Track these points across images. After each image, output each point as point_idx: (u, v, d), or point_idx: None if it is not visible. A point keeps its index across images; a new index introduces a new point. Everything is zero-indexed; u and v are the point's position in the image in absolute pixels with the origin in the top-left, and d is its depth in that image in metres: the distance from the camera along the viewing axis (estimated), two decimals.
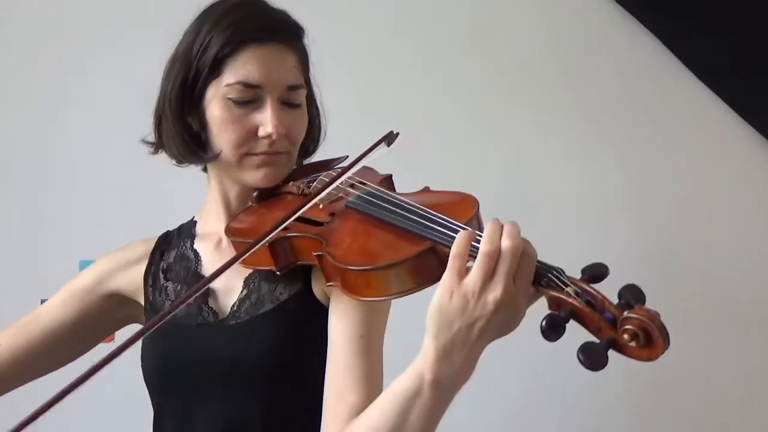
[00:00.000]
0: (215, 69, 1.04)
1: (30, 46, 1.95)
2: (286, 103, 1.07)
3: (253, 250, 0.88)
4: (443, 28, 2.00)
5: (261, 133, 1.05)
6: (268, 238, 0.89)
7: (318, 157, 1.21)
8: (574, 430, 1.89)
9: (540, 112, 2.00)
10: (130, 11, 1.95)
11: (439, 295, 0.77)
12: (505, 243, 0.76)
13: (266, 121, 1.04)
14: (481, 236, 0.78)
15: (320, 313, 1.02)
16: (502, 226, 0.78)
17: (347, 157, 1.18)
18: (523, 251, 0.76)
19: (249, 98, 1.04)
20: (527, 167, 1.99)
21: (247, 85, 1.04)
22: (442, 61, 1.98)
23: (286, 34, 1.07)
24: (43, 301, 1.20)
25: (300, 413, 1.02)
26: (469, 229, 0.79)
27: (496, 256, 0.76)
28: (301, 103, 1.09)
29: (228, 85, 1.04)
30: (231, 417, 1.02)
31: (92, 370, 0.76)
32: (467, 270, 0.76)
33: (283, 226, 0.90)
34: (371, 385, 0.95)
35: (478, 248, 0.77)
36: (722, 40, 1.93)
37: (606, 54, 2.01)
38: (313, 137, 1.18)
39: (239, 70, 1.03)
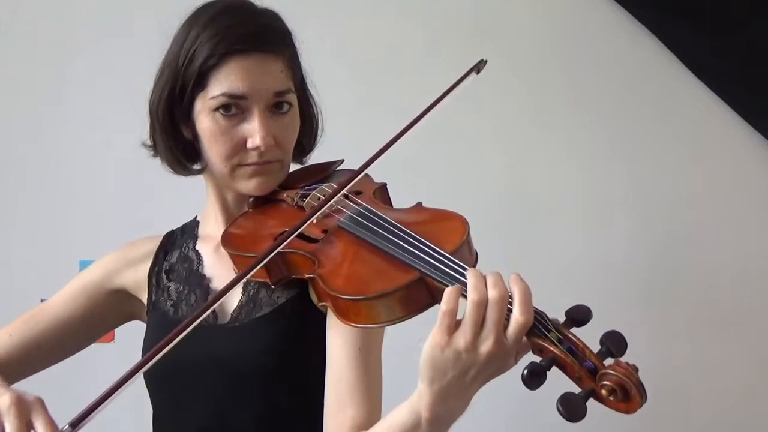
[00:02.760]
0: (200, 81, 1.04)
1: (30, 47, 1.95)
2: (274, 110, 1.06)
3: (249, 274, 0.88)
4: (444, 28, 2.00)
5: (249, 144, 1.04)
6: (263, 262, 0.89)
7: (316, 157, 1.21)
8: (575, 430, 1.89)
9: (540, 112, 2.00)
10: (130, 11, 1.95)
11: (430, 348, 0.77)
12: (492, 293, 0.76)
13: (254, 132, 1.03)
14: (458, 265, 0.79)
15: (317, 316, 1.02)
16: (483, 276, 0.78)
17: (343, 161, 1.18)
18: (524, 323, 0.75)
19: (236, 109, 1.04)
20: (527, 167, 1.99)
21: (232, 96, 1.03)
22: (442, 60, 1.97)
23: (272, 41, 1.06)
24: (43, 301, 1.20)
25: (296, 415, 1.02)
26: (457, 284, 0.79)
27: (484, 305, 0.76)
28: (290, 108, 1.08)
29: (213, 97, 1.03)
30: (226, 417, 1.02)
31: (123, 380, 0.78)
32: (456, 324, 0.76)
33: (278, 249, 0.90)
34: (371, 397, 0.95)
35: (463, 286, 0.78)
36: (722, 40, 1.93)
37: (606, 54, 2.01)
38: (309, 135, 1.17)
39: (223, 82, 1.02)
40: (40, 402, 0.82)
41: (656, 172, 1.99)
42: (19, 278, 1.88)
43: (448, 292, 0.77)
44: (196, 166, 1.14)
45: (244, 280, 0.88)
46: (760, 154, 1.98)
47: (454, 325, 0.76)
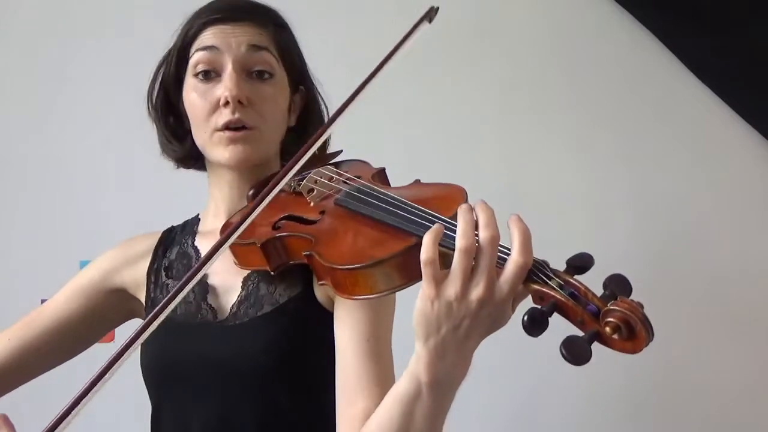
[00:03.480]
0: (184, 54, 1.08)
1: (30, 46, 1.95)
2: (253, 77, 1.07)
3: (218, 253, 0.84)
4: (444, 28, 2.00)
5: (221, 101, 1.04)
6: (231, 240, 0.86)
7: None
8: (575, 429, 1.89)
9: (540, 112, 2.00)
10: (130, 11, 1.95)
11: (420, 302, 0.75)
12: (482, 235, 0.72)
13: (224, 88, 1.04)
14: (454, 227, 0.74)
15: (321, 315, 1.02)
16: (474, 218, 0.74)
17: (341, 151, 1.18)
18: (523, 264, 0.72)
19: (211, 71, 1.05)
20: (527, 167, 1.99)
21: (204, 48, 1.05)
22: (442, 60, 1.98)
23: (252, 14, 1.08)
24: (43, 301, 1.20)
25: (296, 415, 1.02)
26: (436, 227, 0.75)
27: (473, 250, 0.72)
28: (272, 77, 1.08)
29: (190, 56, 1.07)
30: (227, 416, 1.01)
31: (101, 374, 0.75)
32: (444, 274, 0.73)
33: (246, 223, 0.87)
34: (382, 387, 0.93)
35: (453, 240, 0.73)
36: (722, 40, 1.93)
37: (606, 54, 2.01)
38: (311, 120, 1.17)
39: (200, 41, 1.07)
40: (3, 418, 0.81)
41: (656, 172, 1.99)
42: (19, 278, 1.88)
43: (425, 241, 0.73)
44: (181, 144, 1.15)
45: (229, 242, 0.85)
46: (760, 154, 1.98)
47: (441, 275, 0.73)
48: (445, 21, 1.98)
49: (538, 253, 0.76)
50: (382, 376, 0.94)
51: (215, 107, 1.05)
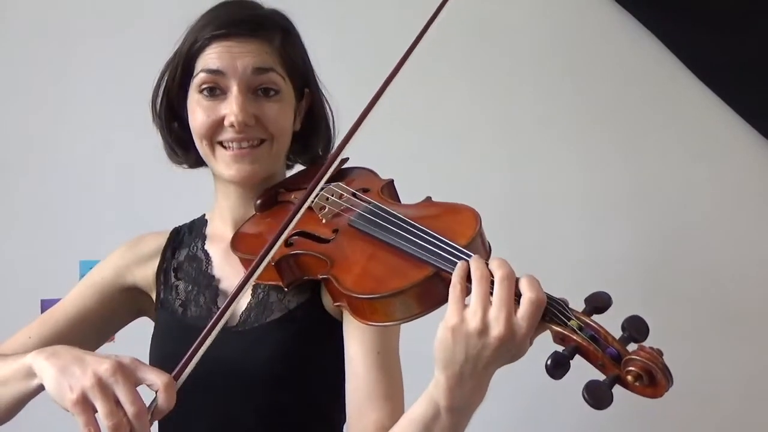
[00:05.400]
0: (189, 67, 1.07)
1: (31, 46, 1.95)
2: (259, 94, 1.06)
3: (254, 276, 0.87)
4: (444, 28, 1.99)
5: (225, 122, 1.04)
6: (259, 270, 0.88)
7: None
8: (575, 429, 1.90)
9: (540, 112, 2.00)
10: (131, 11, 1.95)
11: (442, 330, 0.76)
12: (498, 272, 0.75)
13: (229, 108, 1.04)
14: (468, 256, 0.77)
15: (328, 323, 1.02)
16: (485, 262, 0.77)
17: (348, 159, 1.18)
18: (535, 299, 0.74)
19: (216, 88, 1.05)
20: (528, 167, 1.99)
21: (209, 72, 1.04)
22: (443, 60, 1.98)
23: (256, 27, 1.07)
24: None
25: (302, 421, 1.02)
26: (464, 258, 0.78)
27: (487, 278, 0.75)
28: (278, 93, 1.07)
29: (195, 76, 1.06)
30: (232, 420, 1.02)
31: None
32: (465, 306, 0.76)
33: (272, 251, 0.89)
34: (393, 399, 0.95)
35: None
36: (722, 40, 1.93)
37: (606, 54, 2.01)
38: (315, 135, 1.16)
39: (204, 61, 1.05)
40: (137, 360, 0.83)
41: (656, 171, 1.99)
42: (19, 278, 1.88)
43: (456, 274, 0.76)
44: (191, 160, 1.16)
45: (252, 281, 0.87)
46: (760, 154, 1.98)
47: (463, 306, 0.75)
48: (447, 23, 1.99)
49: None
50: (392, 389, 0.96)
51: (219, 124, 1.05)
